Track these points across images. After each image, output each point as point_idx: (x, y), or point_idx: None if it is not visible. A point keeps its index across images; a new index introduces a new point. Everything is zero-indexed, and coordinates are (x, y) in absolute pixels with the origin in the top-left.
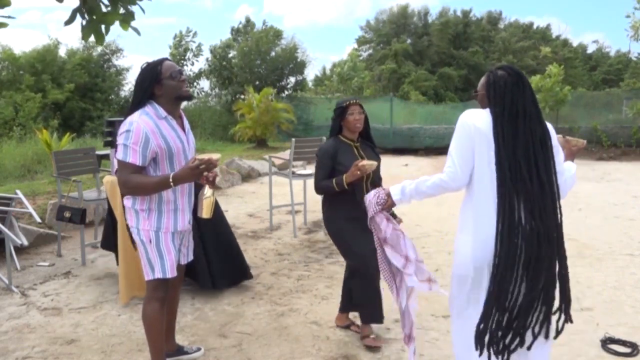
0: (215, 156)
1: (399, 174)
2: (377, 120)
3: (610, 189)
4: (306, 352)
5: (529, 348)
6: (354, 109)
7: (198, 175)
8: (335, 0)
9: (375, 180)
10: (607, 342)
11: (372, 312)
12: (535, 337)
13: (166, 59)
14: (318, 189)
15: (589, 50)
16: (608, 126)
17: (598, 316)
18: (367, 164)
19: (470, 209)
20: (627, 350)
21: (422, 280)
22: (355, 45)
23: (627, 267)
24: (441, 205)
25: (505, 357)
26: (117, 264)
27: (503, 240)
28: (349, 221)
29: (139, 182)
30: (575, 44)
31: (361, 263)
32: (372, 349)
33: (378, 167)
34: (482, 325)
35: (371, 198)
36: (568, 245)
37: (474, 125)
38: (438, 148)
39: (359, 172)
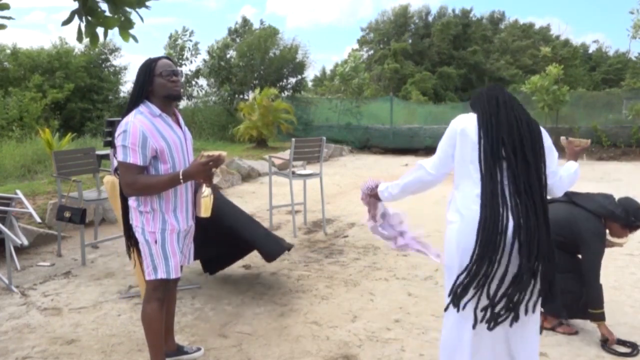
0: (223, 153)
1: (398, 174)
2: (377, 121)
3: (610, 189)
4: (306, 352)
5: (510, 324)
6: None
7: (208, 171)
8: (337, 1)
9: None
10: (607, 342)
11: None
12: (525, 313)
13: (164, 57)
14: None
15: (589, 50)
16: (608, 126)
17: None
18: None
19: (455, 202)
20: (627, 350)
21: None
22: (356, 46)
23: (626, 267)
24: (440, 205)
25: (492, 325)
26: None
27: (486, 205)
28: None
29: (147, 182)
30: (576, 44)
31: None
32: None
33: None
34: (461, 280)
35: (364, 185)
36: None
37: (460, 129)
38: None
39: None
